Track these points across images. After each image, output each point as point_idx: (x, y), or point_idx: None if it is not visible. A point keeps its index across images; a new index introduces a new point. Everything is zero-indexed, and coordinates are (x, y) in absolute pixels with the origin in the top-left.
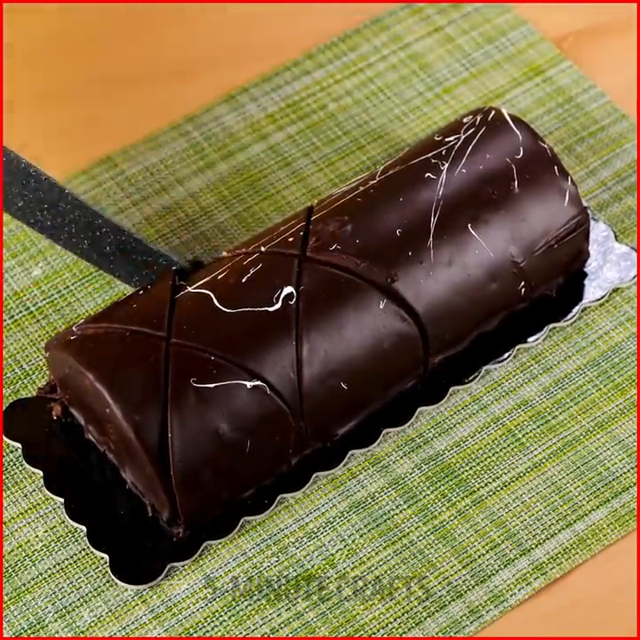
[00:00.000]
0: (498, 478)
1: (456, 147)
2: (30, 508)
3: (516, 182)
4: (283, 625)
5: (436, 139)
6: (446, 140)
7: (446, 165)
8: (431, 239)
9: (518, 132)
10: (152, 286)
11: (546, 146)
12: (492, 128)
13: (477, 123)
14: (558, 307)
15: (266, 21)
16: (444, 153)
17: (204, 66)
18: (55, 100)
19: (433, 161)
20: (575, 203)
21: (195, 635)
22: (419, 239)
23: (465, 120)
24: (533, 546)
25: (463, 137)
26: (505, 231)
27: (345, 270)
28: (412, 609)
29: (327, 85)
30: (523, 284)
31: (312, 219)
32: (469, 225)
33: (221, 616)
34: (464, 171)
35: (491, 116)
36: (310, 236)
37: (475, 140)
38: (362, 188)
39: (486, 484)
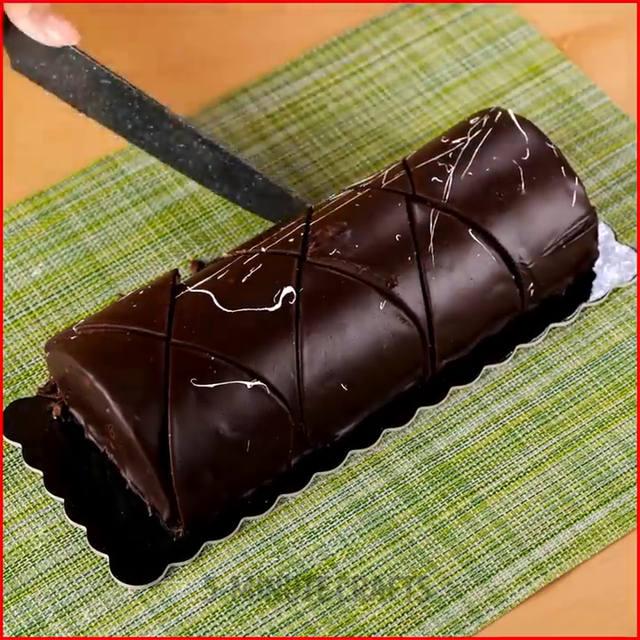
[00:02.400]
0: (498, 478)
1: (462, 149)
2: (30, 508)
3: (522, 184)
4: (283, 625)
5: (443, 141)
6: (453, 142)
7: (453, 168)
8: (431, 244)
9: (525, 134)
10: (152, 286)
11: (552, 146)
12: (499, 130)
13: (484, 124)
14: (564, 307)
15: (266, 21)
16: (450, 156)
17: (204, 66)
18: (56, 99)
19: (439, 164)
20: (583, 203)
21: (195, 635)
22: (419, 244)
23: (471, 122)
24: (533, 546)
25: (470, 139)
26: (512, 233)
27: (345, 274)
28: (411, 609)
29: (327, 85)
30: (532, 285)
31: (311, 223)
32: (476, 228)
33: (221, 616)
34: (471, 174)
35: (497, 117)
36: (310, 241)
37: (481, 143)
38: (361, 193)
39: (486, 484)
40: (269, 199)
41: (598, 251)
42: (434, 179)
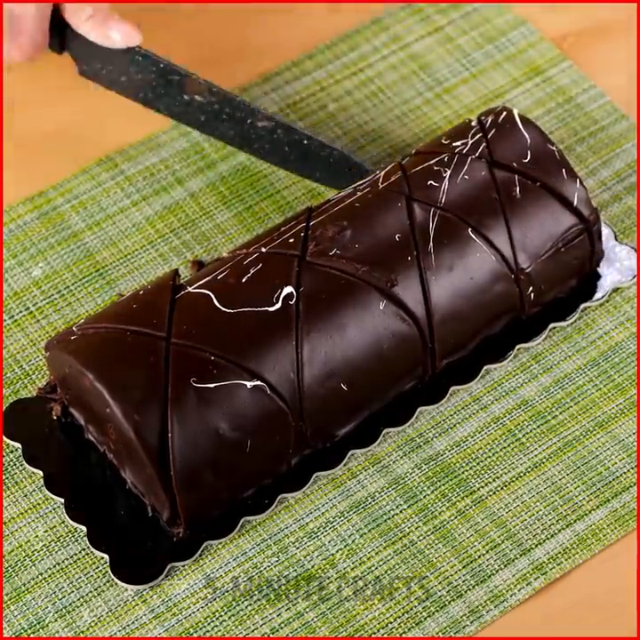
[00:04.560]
0: (498, 478)
1: (462, 152)
2: (30, 508)
3: (517, 188)
4: (283, 625)
5: (444, 142)
6: (453, 144)
7: (449, 172)
8: (431, 244)
9: (527, 135)
10: (152, 286)
11: (554, 148)
12: (501, 131)
13: (487, 125)
14: (565, 306)
15: (266, 21)
16: (446, 159)
17: (205, 66)
18: (55, 99)
19: (435, 168)
20: (584, 205)
21: (195, 634)
22: (419, 243)
23: (473, 123)
24: (533, 546)
25: (471, 142)
26: (509, 237)
27: (345, 274)
28: (412, 609)
29: (327, 85)
30: (531, 289)
31: (311, 223)
32: (472, 230)
33: (221, 616)
34: (467, 177)
35: (501, 117)
36: (309, 241)
37: (482, 145)
38: (360, 194)
39: (486, 484)
40: (342, 172)
41: (603, 251)
42: (430, 182)
